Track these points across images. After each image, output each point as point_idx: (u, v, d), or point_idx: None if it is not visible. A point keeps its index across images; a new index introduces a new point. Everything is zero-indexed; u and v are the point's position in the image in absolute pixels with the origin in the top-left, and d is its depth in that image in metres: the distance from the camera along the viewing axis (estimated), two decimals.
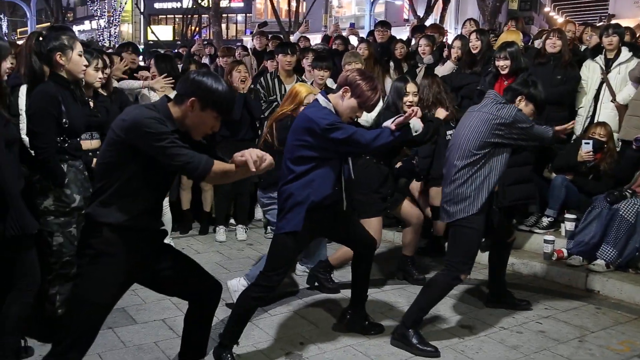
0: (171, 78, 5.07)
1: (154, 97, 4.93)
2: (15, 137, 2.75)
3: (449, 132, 4.63)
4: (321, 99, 3.12)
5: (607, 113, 5.22)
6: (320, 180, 3.06)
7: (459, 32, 7.11)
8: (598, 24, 6.68)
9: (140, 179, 2.30)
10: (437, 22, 17.17)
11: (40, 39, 3.10)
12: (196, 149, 2.29)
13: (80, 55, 3.16)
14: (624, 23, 6.52)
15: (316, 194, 3.05)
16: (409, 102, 4.02)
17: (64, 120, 3.09)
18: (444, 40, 7.47)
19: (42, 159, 3.02)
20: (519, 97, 3.46)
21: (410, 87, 4.09)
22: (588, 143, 4.84)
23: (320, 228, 3.22)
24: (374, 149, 3.09)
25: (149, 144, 2.20)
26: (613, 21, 9.51)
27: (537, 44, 5.84)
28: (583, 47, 5.97)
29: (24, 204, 2.73)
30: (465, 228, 3.35)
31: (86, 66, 3.27)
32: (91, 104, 3.86)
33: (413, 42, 7.11)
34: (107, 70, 4.29)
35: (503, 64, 4.69)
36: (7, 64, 2.75)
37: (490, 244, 4.04)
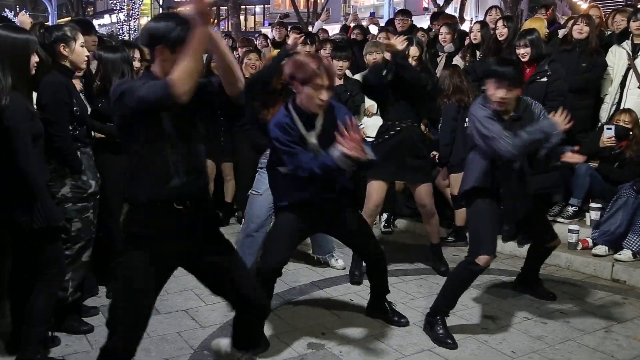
0: None
1: None
2: (41, 131, 2.79)
3: (467, 120, 4.58)
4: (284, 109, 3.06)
5: (633, 100, 5.10)
6: (291, 181, 3.02)
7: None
8: (621, 9, 6.50)
9: (150, 148, 2.21)
10: (458, 10, 16.98)
11: (42, 30, 3.16)
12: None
13: (82, 47, 3.23)
14: None
15: (288, 193, 3.08)
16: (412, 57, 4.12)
17: (75, 108, 3.18)
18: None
19: (58, 147, 3.08)
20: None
21: (412, 51, 4.14)
22: (610, 128, 4.76)
23: (308, 225, 3.19)
24: (313, 173, 2.91)
25: (128, 101, 2.13)
26: None
27: (561, 33, 5.72)
28: (608, 32, 5.83)
29: (50, 197, 2.79)
30: (470, 212, 3.40)
31: (87, 57, 3.32)
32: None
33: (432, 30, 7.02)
34: (138, 64, 4.24)
35: (523, 51, 4.59)
36: (36, 57, 2.78)
37: (531, 244, 3.92)
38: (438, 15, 7.69)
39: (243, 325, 2.60)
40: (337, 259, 4.53)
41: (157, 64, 2.23)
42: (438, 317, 3.36)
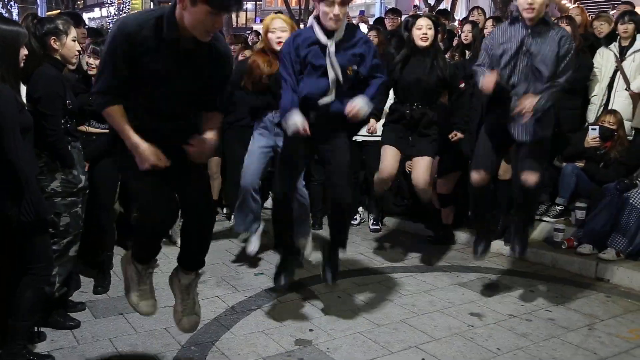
0: None
1: None
2: (31, 123, 2.77)
3: None
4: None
5: (621, 101, 5.16)
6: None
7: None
8: (611, 12, 6.57)
9: (132, 82, 2.40)
10: (448, 9, 17.03)
11: (35, 21, 3.15)
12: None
13: (74, 41, 3.22)
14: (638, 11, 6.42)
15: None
16: (423, 34, 4.07)
17: (68, 102, 3.17)
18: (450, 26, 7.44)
19: (51, 141, 3.07)
20: None
21: (422, 21, 4.10)
22: (594, 129, 4.83)
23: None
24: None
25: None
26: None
27: None
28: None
29: (39, 190, 2.78)
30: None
31: (79, 51, 3.32)
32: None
33: None
34: None
35: None
36: (25, 50, 2.76)
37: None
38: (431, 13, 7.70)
39: (189, 230, 2.74)
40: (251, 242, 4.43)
41: (178, 10, 2.27)
42: (478, 224, 3.98)
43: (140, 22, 2.32)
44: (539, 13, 3.43)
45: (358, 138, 5.57)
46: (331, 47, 3.21)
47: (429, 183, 4.24)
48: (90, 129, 3.81)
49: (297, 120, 3.13)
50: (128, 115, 2.43)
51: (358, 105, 3.19)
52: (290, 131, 3.15)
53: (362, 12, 12.83)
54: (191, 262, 2.78)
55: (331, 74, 3.23)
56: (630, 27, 5.15)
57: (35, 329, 3.07)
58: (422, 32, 4.04)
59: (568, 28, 5.14)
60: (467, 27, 5.83)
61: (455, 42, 6.01)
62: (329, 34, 3.22)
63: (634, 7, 6.10)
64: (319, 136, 3.28)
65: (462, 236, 5.17)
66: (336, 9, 3.12)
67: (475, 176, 3.53)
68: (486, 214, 3.82)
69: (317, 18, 3.26)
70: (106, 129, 3.68)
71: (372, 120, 5.02)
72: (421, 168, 4.13)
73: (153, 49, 2.32)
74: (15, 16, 32.92)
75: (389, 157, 4.17)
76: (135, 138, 2.39)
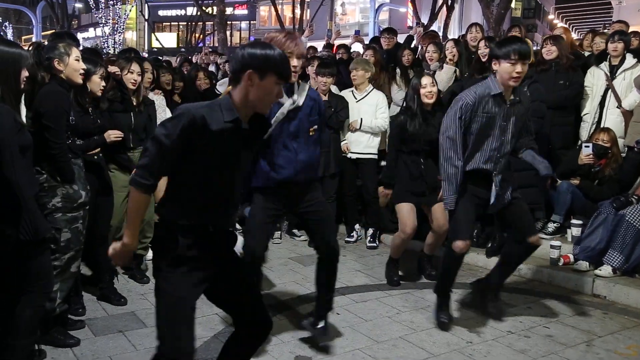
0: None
1: None
2: (30, 143, 2.79)
3: None
4: None
5: (612, 119, 5.25)
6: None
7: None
8: (601, 31, 6.70)
9: (185, 174, 2.23)
10: (442, 29, 17.27)
11: (38, 49, 3.26)
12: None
13: (77, 60, 3.29)
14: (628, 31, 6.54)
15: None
16: (428, 92, 4.28)
17: (71, 118, 3.24)
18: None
19: (54, 154, 3.11)
20: None
21: (425, 80, 4.31)
22: (588, 146, 4.90)
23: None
24: None
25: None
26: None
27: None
28: (587, 54, 6.00)
29: (38, 209, 2.78)
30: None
31: (84, 69, 3.37)
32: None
33: (420, 48, 7.11)
34: (138, 78, 4.25)
35: None
36: (26, 72, 2.80)
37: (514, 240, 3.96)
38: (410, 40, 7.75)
39: (241, 345, 2.54)
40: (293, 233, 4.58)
41: (240, 89, 2.23)
42: (441, 298, 3.77)
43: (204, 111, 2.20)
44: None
45: (353, 156, 5.63)
46: (286, 104, 3.12)
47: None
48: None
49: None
50: (178, 210, 2.24)
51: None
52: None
53: (357, 32, 12.92)
54: None
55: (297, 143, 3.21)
56: (620, 45, 5.25)
57: (36, 346, 3.06)
58: (427, 90, 4.28)
59: (553, 48, 5.27)
60: (450, 44, 5.88)
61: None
62: (289, 88, 3.12)
63: (627, 26, 6.22)
64: (296, 205, 3.29)
65: None
66: (294, 61, 3.02)
67: (462, 245, 3.53)
68: (452, 286, 3.84)
69: None
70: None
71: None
72: (441, 212, 4.30)
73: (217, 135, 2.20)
74: (9, 37, 33.04)
75: (408, 213, 4.39)
76: (134, 237, 2.28)
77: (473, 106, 3.45)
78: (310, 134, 3.23)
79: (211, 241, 2.29)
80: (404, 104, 4.57)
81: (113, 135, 3.87)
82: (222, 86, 6.44)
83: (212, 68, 8.89)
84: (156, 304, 2.31)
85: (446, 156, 3.53)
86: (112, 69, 4.06)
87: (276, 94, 2.27)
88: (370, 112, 5.58)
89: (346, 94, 5.72)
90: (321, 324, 3.41)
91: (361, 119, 5.53)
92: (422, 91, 4.29)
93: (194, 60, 10.24)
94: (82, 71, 3.33)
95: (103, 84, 3.80)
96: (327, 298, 3.43)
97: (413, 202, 4.40)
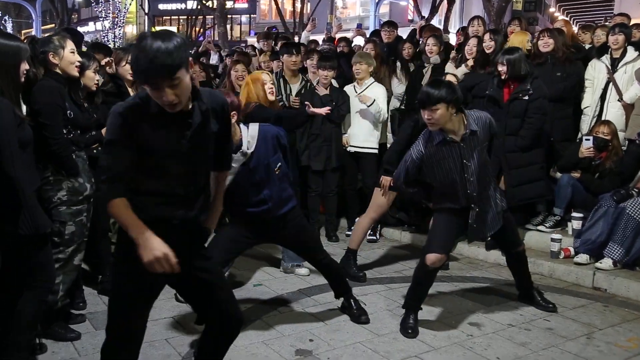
0: None
1: None
2: (30, 137, 2.78)
3: None
4: None
5: (613, 112, 5.23)
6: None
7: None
8: (601, 24, 6.67)
9: (139, 167, 2.15)
10: (442, 22, 17.21)
11: (32, 43, 3.28)
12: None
13: (72, 53, 3.30)
14: (630, 23, 6.52)
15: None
16: None
17: (68, 112, 3.23)
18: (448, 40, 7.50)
19: (54, 150, 3.11)
20: None
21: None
22: (588, 139, 4.89)
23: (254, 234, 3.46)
24: None
25: None
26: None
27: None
28: (588, 46, 5.97)
29: (38, 204, 2.77)
30: (434, 217, 3.70)
31: (79, 62, 3.37)
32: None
33: (421, 41, 7.07)
34: None
35: (501, 69, 4.71)
36: (25, 65, 2.80)
37: (505, 254, 4.08)
38: (424, 28, 7.74)
39: (214, 341, 2.53)
40: (301, 266, 4.61)
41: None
42: (410, 310, 3.61)
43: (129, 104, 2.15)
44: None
45: (351, 149, 5.62)
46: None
47: None
48: None
49: None
50: (135, 204, 2.12)
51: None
52: None
53: (359, 26, 12.87)
54: None
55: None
56: (621, 38, 5.23)
57: (37, 340, 3.07)
58: None
59: (550, 41, 5.24)
60: (473, 41, 5.72)
61: (452, 55, 6.03)
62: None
63: (629, 19, 6.19)
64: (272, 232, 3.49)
65: (459, 246, 5.19)
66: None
67: (434, 258, 3.47)
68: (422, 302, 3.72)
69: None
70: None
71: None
72: None
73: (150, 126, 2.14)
74: (9, 31, 32.97)
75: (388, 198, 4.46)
76: (145, 227, 2.05)
77: (421, 160, 3.46)
78: (276, 172, 3.34)
79: (174, 236, 2.19)
80: (404, 97, 4.52)
81: None
82: None
83: (215, 57, 8.76)
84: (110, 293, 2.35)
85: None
86: (104, 60, 4.04)
87: (158, 98, 2.05)
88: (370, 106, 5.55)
89: (348, 88, 5.69)
90: None
91: (374, 99, 5.47)
92: None
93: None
94: (77, 64, 3.33)
95: (97, 78, 3.76)
96: None
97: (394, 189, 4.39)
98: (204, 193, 2.34)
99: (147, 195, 2.18)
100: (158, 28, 33.21)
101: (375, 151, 5.62)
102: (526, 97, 4.67)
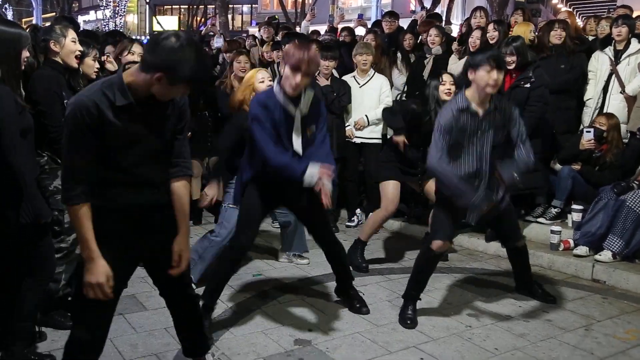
0: None
1: None
2: (31, 125, 2.78)
3: None
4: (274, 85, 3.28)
5: (616, 104, 5.22)
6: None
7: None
8: (606, 16, 6.63)
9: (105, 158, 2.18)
10: (444, 13, 17.12)
11: (34, 31, 3.26)
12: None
13: (73, 42, 3.31)
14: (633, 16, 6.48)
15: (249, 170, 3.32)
16: (447, 89, 4.16)
17: (65, 101, 3.21)
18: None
19: (53, 137, 3.12)
20: None
21: (446, 77, 4.22)
22: (589, 131, 4.88)
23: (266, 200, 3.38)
24: (271, 166, 3.17)
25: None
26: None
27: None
28: (591, 38, 5.94)
29: (39, 192, 2.78)
30: (435, 204, 3.68)
31: (80, 51, 3.37)
32: None
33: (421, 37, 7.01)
34: (138, 60, 4.24)
35: (510, 59, 4.67)
36: (26, 52, 2.79)
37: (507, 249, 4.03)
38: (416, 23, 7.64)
39: (188, 322, 2.70)
40: (301, 257, 4.63)
41: (146, 79, 2.13)
42: (409, 301, 3.61)
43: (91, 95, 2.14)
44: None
45: (357, 140, 5.61)
46: (298, 115, 3.19)
47: None
48: None
49: (313, 173, 3.10)
50: (101, 196, 2.19)
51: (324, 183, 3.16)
52: (308, 180, 3.11)
53: (360, 16, 12.78)
54: (200, 349, 2.78)
55: (296, 144, 3.24)
56: (624, 30, 5.20)
57: (37, 328, 3.07)
58: (446, 87, 4.15)
59: (563, 33, 5.22)
60: (477, 33, 5.67)
61: (454, 46, 6.00)
62: (295, 101, 3.16)
63: (632, 11, 6.15)
64: (290, 198, 3.43)
65: (459, 238, 5.19)
66: (298, 77, 3.07)
67: (440, 244, 3.48)
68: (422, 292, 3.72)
69: (279, 83, 3.20)
70: None
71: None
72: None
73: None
74: (9, 19, 32.86)
75: (394, 189, 4.41)
76: (96, 250, 2.15)
77: (452, 125, 3.35)
78: (308, 134, 3.28)
79: (136, 222, 2.28)
80: (405, 88, 4.48)
81: None
82: None
83: (219, 41, 8.57)
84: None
85: (444, 178, 3.39)
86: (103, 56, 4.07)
87: (181, 94, 2.23)
88: (374, 97, 5.54)
89: (348, 79, 5.67)
90: None
91: (366, 115, 5.50)
92: (441, 88, 4.16)
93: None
94: (78, 53, 3.33)
95: (97, 66, 3.75)
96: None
97: (400, 180, 4.39)
98: (168, 179, 2.41)
99: (115, 185, 2.23)
100: (159, 17, 33.14)
101: (379, 141, 5.62)
102: (528, 85, 4.64)
